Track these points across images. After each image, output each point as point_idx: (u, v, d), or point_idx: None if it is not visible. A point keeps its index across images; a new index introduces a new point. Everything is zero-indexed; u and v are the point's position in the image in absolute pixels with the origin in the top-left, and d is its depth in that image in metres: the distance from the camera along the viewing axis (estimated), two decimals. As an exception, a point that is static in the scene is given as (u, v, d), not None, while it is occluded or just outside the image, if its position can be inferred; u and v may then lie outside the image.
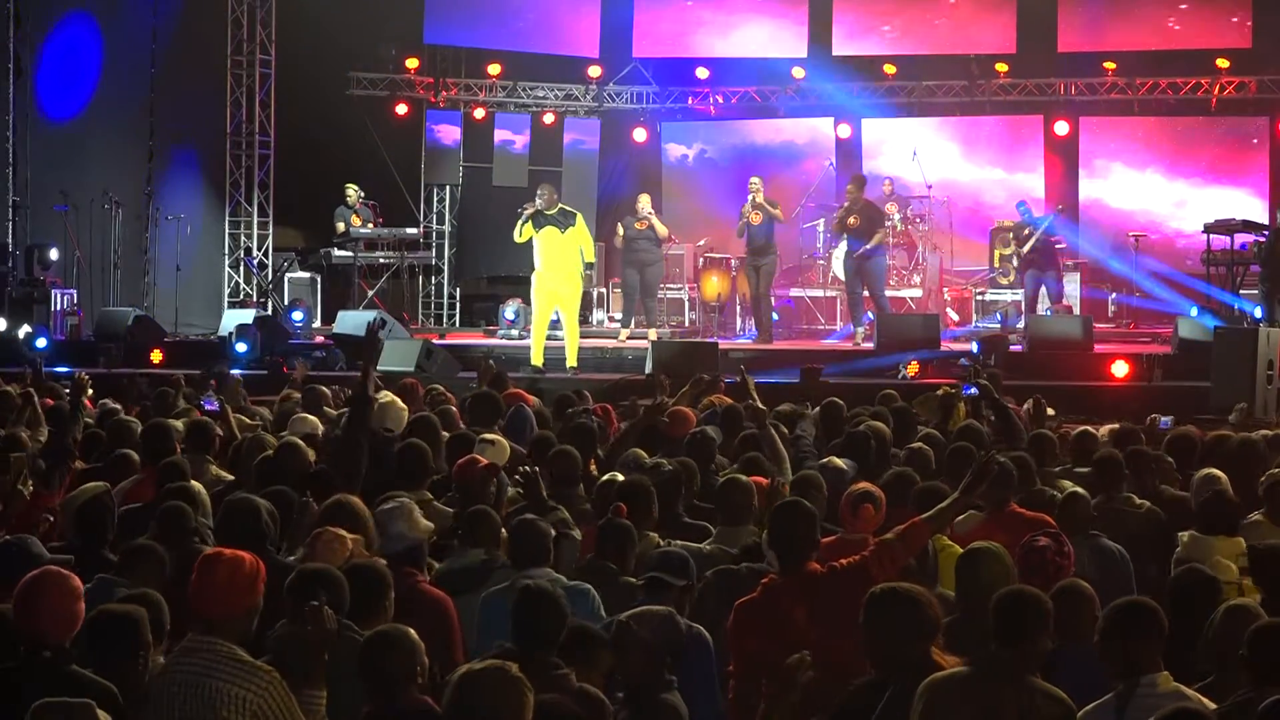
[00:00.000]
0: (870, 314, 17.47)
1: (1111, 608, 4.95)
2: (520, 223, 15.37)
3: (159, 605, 5.09)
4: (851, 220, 17.43)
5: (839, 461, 8.00)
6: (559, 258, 15.29)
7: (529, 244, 15.49)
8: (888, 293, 18.17)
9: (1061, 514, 6.91)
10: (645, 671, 4.89)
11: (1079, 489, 7.20)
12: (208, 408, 9.89)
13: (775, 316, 18.37)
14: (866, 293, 17.53)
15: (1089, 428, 9.54)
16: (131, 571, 5.83)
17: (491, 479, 7.07)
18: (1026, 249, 18.20)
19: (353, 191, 19.61)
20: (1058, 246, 18.70)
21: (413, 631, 4.75)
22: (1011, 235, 18.99)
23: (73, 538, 6.69)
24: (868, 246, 17.31)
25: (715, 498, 7.10)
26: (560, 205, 15.53)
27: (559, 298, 15.37)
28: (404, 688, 4.64)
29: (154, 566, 5.86)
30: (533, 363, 15.49)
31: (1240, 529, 6.95)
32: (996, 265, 20.00)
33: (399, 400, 9.20)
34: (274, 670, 4.67)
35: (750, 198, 17.60)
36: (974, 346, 15.85)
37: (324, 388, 11.15)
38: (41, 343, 16.49)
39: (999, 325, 18.53)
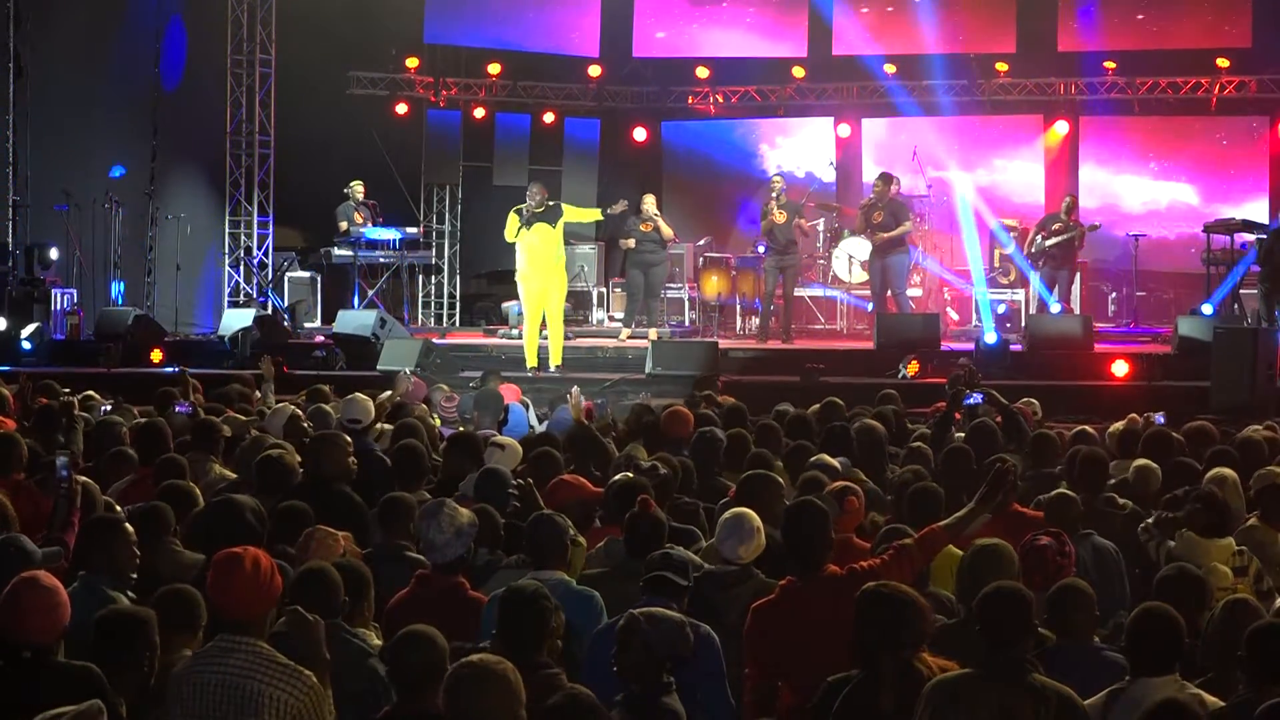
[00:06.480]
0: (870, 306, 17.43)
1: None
2: (515, 226, 15.32)
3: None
4: (876, 216, 17.40)
5: (831, 460, 7.97)
6: (542, 256, 15.34)
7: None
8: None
9: (1050, 514, 6.89)
10: (645, 670, 4.86)
11: (1066, 490, 7.22)
12: (179, 410, 9.82)
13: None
14: (890, 292, 17.43)
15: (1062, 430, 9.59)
16: (90, 545, 5.78)
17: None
18: (1052, 243, 17.91)
19: (359, 188, 19.51)
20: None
21: (439, 634, 4.70)
22: (1040, 225, 18.52)
23: None
24: (888, 235, 17.19)
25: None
26: (548, 202, 15.52)
27: (544, 295, 15.40)
28: (428, 689, 4.58)
29: (117, 537, 5.80)
30: (528, 365, 15.45)
31: (1237, 532, 6.97)
32: (997, 265, 19.95)
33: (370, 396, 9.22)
34: (312, 674, 4.64)
35: (774, 196, 17.52)
36: (994, 337, 15.77)
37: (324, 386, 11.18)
38: (26, 345, 16.43)
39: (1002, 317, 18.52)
